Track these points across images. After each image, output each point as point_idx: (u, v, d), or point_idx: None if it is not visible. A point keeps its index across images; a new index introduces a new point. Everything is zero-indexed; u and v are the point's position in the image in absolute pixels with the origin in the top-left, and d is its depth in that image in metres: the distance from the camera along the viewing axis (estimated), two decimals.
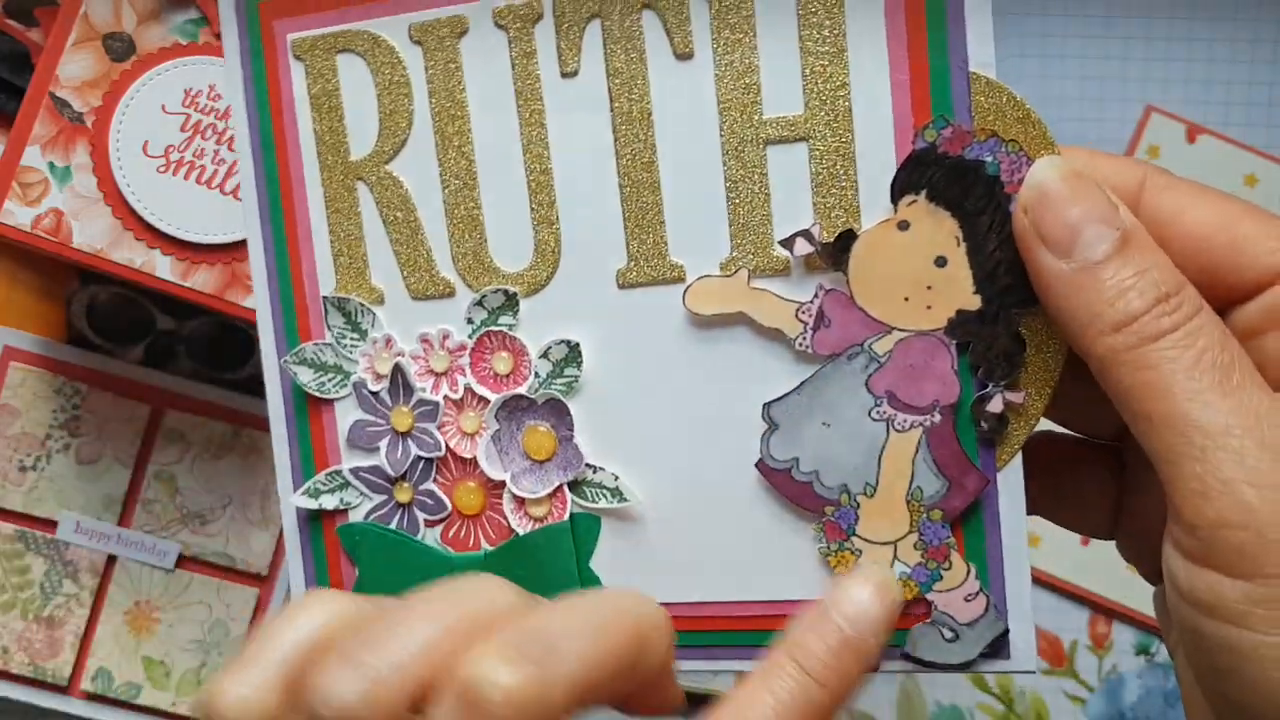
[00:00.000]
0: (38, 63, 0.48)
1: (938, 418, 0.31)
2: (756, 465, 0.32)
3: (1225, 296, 0.28)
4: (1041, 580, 0.66)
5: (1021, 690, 0.66)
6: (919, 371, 0.30)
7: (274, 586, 0.62)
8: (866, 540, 0.32)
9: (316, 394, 0.35)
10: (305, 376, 0.35)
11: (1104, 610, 0.60)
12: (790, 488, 0.32)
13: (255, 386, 0.53)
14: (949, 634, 0.31)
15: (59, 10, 0.48)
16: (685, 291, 0.32)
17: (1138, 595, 0.60)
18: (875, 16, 0.30)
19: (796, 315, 0.31)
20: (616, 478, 0.33)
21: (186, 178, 0.48)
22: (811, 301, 0.31)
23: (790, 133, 0.31)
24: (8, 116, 0.50)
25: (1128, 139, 0.58)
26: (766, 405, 0.32)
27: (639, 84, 0.32)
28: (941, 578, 0.31)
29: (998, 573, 0.31)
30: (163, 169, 0.48)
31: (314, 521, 0.36)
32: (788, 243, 0.31)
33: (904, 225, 0.30)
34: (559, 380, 0.33)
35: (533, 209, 0.33)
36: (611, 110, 0.32)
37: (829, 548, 0.32)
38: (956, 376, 0.30)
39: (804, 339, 0.31)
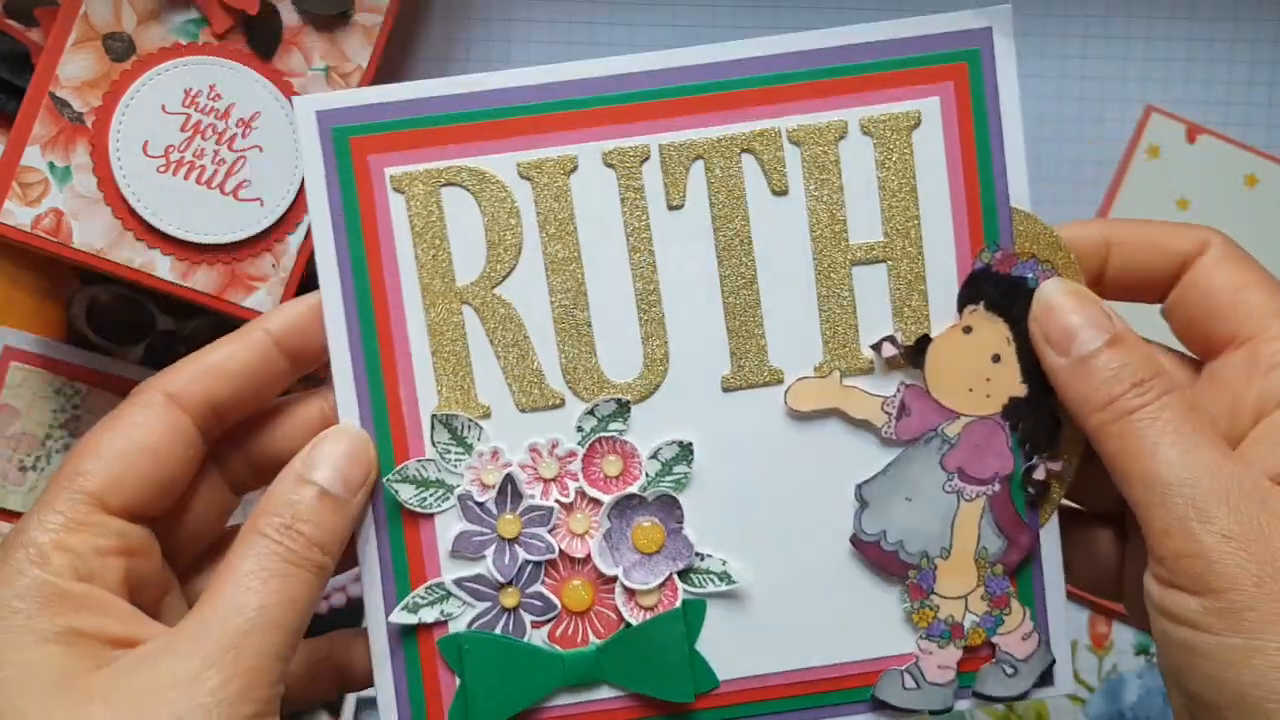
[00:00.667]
0: (38, 63, 0.47)
1: (998, 487, 0.37)
2: (850, 539, 0.37)
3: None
4: None
5: None
6: (982, 450, 0.37)
7: None
8: (943, 596, 0.37)
9: (417, 510, 0.36)
10: (407, 494, 0.36)
11: (1104, 611, 0.59)
12: (879, 556, 0.37)
13: None
14: (1010, 670, 0.38)
15: (59, 10, 0.47)
16: (786, 392, 0.37)
17: None
18: (938, 161, 0.37)
19: (882, 408, 0.37)
20: (724, 562, 0.37)
21: (186, 178, 0.48)
22: (895, 395, 0.37)
23: (872, 255, 0.37)
24: (8, 116, 0.49)
25: (1128, 139, 0.57)
26: (859, 486, 0.37)
27: (739, 215, 0.36)
28: (1003, 622, 0.38)
29: (1043, 611, 0.38)
30: (163, 169, 0.48)
31: (407, 637, 0.37)
32: (877, 347, 0.37)
33: (967, 330, 0.37)
34: (668, 478, 0.37)
35: (641, 324, 0.37)
36: (715, 238, 0.37)
37: (913, 606, 0.37)
38: (1011, 452, 0.37)
39: (889, 427, 0.37)
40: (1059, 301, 0.35)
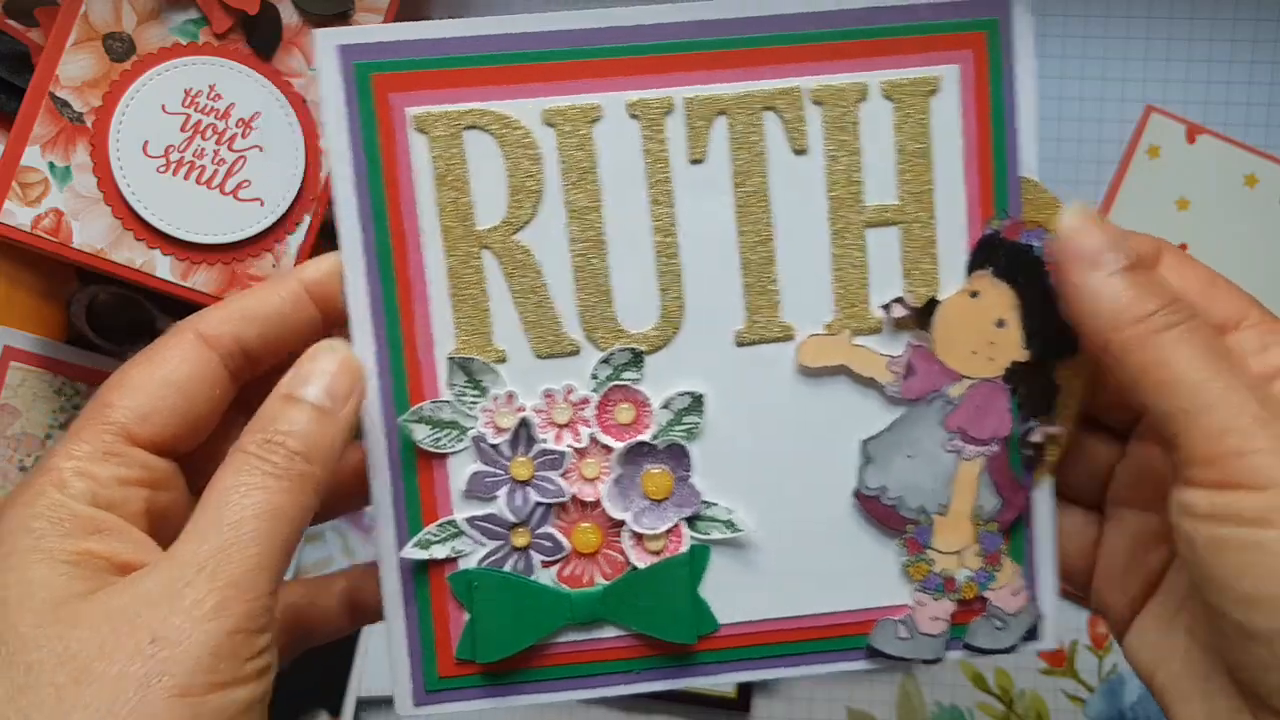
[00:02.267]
0: (38, 63, 0.47)
1: (996, 448, 0.38)
2: (853, 493, 0.38)
3: None
4: None
5: (1021, 691, 0.67)
6: (983, 411, 0.38)
7: None
8: (939, 551, 0.39)
9: (431, 449, 0.37)
10: (421, 434, 0.37)
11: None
12: (880, 511, 0.38)
13: None
14: (999, 624, 0.39)
15: (59, 10, 0.47)
16: (797, 348, 0.38)
17: None
18: (954, 128, 0.37)
19: (889, 367, 0.38)
20: (730, 511, 0.38)
21: (186, 178, 0.49)
22: (902, 355, 0.38)
23: (886, 218, 0.38)
24: (8, 116, 0.48)
25: (1127, 139, 0.58)
26: (864, 442, 0.38)
27: (759, 172, 0.37)
28: (995, 578, 0.39)
29: (1032, 569, 0.39)
30: (163, 169, 0.48)
31: (419, 573, 0.38)
32: (887, 307, 0.38)
33: (975, 294, 0.38)
34: (679, 427, 0.38)
35: (659, 275, 0.37)
36: (735, 194, 0.37)
37: (910, 559, 0.39)
38: (1010, 415, 0.38)
39: (895, 386, 0.38)
40: (1089, 222, 0.34)
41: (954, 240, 0.38)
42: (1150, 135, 0.57)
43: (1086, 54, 0.58)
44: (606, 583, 0.38)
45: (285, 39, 0.50)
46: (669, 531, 0.38)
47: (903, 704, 0.68)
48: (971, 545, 0.39)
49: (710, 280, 0.37)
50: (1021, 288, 0.38)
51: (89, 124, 0.47)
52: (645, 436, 0.38)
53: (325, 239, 0.52)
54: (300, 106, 0.50)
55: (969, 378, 0.38)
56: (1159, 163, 0.57)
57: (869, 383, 0.38)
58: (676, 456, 0.38)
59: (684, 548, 0.38)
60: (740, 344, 0.38)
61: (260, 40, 0.49)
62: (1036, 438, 0.38)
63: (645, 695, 0.59)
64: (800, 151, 0.37)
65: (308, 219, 0.50)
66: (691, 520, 0.38)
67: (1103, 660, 0.62)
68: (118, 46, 0.48)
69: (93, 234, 0.48)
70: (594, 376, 0.38)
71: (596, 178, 0.37)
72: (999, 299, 0.38)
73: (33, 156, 0.47)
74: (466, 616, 0.38)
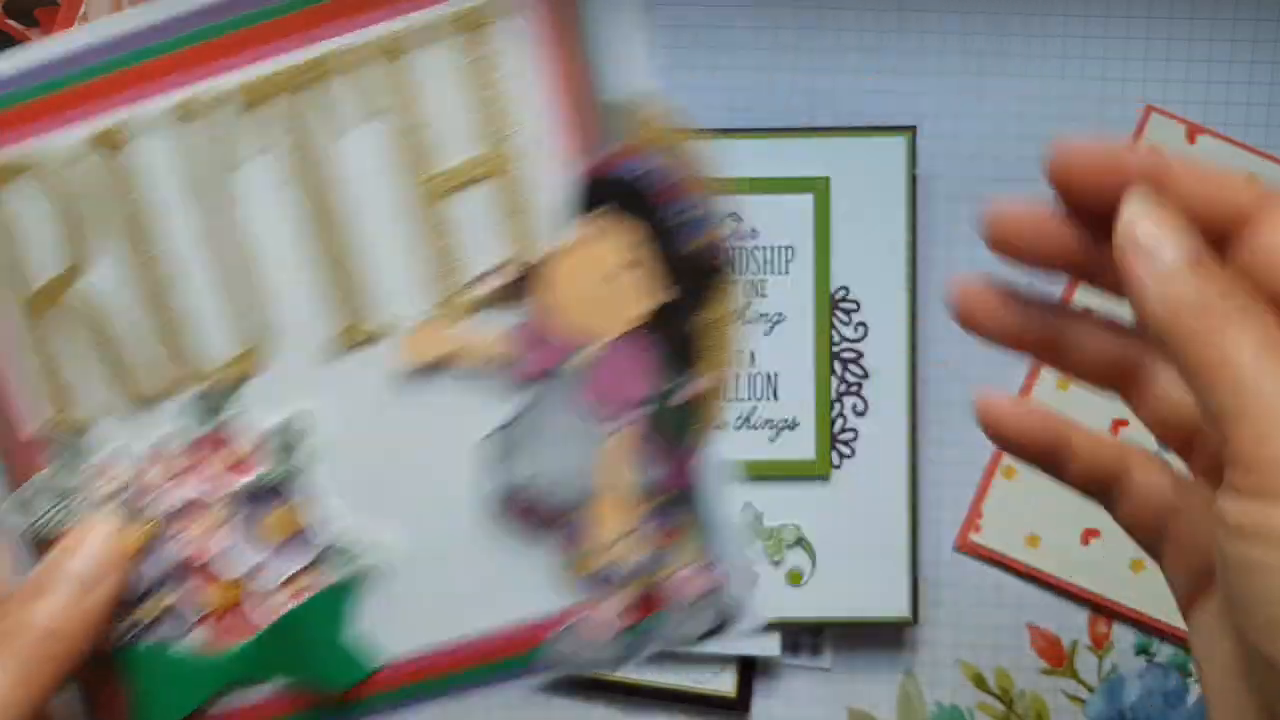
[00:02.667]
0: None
1: (644, 414, 0.34)
2: (488, 494, 0.34)
3: None
4: (1041, 580, 0.65)
5: (1021, 691, 0.66)
6: (622, 374, 0.34)
7: None
8: (599, 542, 0.34)
9: (45, 534, 0.35)
10: (26, 519, 0.34)
11: (1104, 610, 0.60)
12: (519, 511, 0.34)
13: None
14: (684, 613, 0.34)
15: (59, 10, 0.48)
16: (396, 347, 0.34)
17: (1138, 595, 0.60)
18: (525, 59, 0.33)
19: (501, 346, 0.34)
20: (365, 537, 0.34)
21: None
22: (513, 331, 0.34)
23: (468, 178, 0.34)
24: None
25: (1128, 139, 0.58)
26: (486, 438, 0.34)
27: (317, 158, 0.34)
28: (671, 560, 0.34)
29: (717, 543, 0.34)
30: None
31: None
32: (479, 280, 0.34)
33: (592, 240, 0.33)
34: (291, 457, 0.34)
35: (235, 296, 0.34)
36: (298, 187, 0.34)
37: (568, 558, 0.34)
38: (655, 372, 0.33)
39: (510, 369, 0.34)
40: (1153, 212, 0.31)
41: (556, 186, 0.34)
42: (1150, 135, 0.57)
43: (1087, 54, 0.58)
44: (252, 636, 0.35)
45: None
46: (303, 572, 0.34)
47: (903, 704, 0.67)
48: (636, 529, 0.34)
49: (291, 289, 0.34)
50: (648, 220, 0.33)
51: None
52: (253, 476, 0.34)
53: None
54: None
55: (602, 337, 0.34)
56: None
57: (483, 371, 0.34)
58: (294, 489, 0.34)
59: (321, 586, 0.34)
60: (337, 353, 0.34)
61: None
62: (690, 392, 0.33)
63: (641, 694, 0.59)
64: (357, 124, 0.34)
65: None
66: (325, 554, 0.34)
67: (1103, 660, 0.62)
68: None
69: None
70: (191, 420, 0.34)
71: (147, 201, 0.34)
72: (625, 238, 0.33)
73: None
74: (129, 692, 0.35)
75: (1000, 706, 0.66)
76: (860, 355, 0.56)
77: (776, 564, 0.56)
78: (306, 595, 0.34)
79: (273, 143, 0.34)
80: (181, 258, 0.34)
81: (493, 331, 0.34)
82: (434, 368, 0.34)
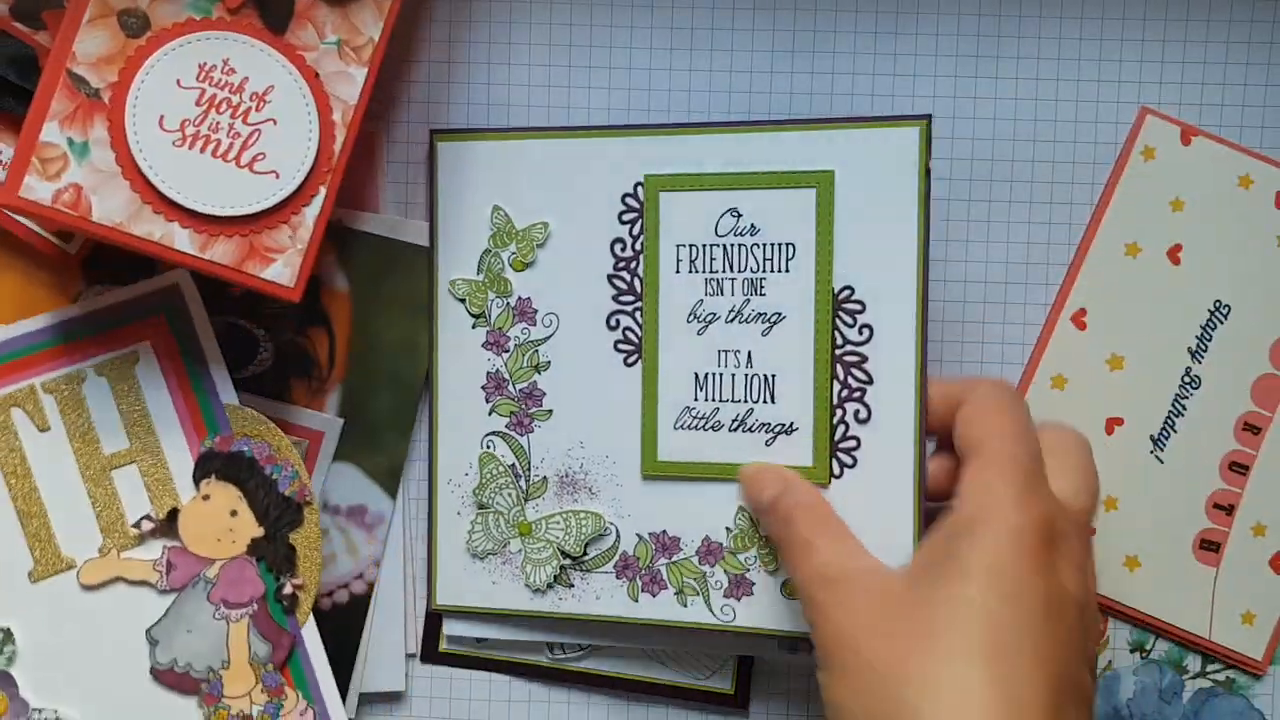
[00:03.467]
0: (54, 38, 0.47)
1: (255, 607, 0.50)
2: (150, 671, 0.49)
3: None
4: None
5: None
6: (237, 582, 0.50)
7: None
8: (231, 697, 0.50)
9: None
10: None
11: (1100, 608, 0.57)
12: (174, 679, 0.50)
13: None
14: None
15: (64, 13, 0.47)
16: (78, 572, 0.49)
17: (1133, 593, 0.58)
18: (159, 384, 0.50)
19: (154, 568, 0.50)
20: (56, 712, 0.49)
21: (203, 151, 0.48)
22: (161, 556, 0.50)
23: (125, 460, 0.50)
24: (16, 120, 0.50)
25: (1122, 141, 0.57)
26: (148, 630, 0.50)
27: (16, 451, 0.50)
28: (283, 707, 0.50)
29: (317, 693, 0.50)
30: (179, 143, 0.48)
31: None
32: (138, 524, 0.50)
33: (206, 497, 0.50)
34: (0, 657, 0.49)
35: None
36: (1, 468, 0.50)
37: (209, 710, 0.50)
38: (260, 578, 0.50)
39: (162, 581, 0.50)
40: (751, 470, 0.51)
41: (182, 461, 0.50)
42: (1145, 137, 0.56)
43: (1082, 55, 0.57)
44: None
45: (297, 13, 0.50)
46: None
47: None
48: (256, 685, 0.50)
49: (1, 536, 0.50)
50: (243, 483, 0.50)
51: (105, 99, 0.48)
52: None
53: (340, 208, 0.54)
54: (313, 80, 0.50)
55: (219, 559, 0.50)
56: (1154, 164, 0.57)
57: (142, 584, 0.50)
58: (3, 683, 0.49)
59: None
60: (34, 581, 0.50)
61: (272, 15, 0.49)
62: (287, 590, 0.50)
63: (641, 687, 0.58)
64: (44, 429, 0.50)
65: (323, 190, 0.50)
66: None
67: (1099, 658, 0.59)
68: (132, 22, 0.48)
69: (112, 208, 0.47)
70: None
71: None
72: (227, 496, 0.50)
73: (52, 132, 0.47)
74: None
75: None
76: (864, 359, 0.51)
77: (772, 573, 0.52)
78: None
79: None
80: None
81: (148, 558, 0.50)
82: (108, 584, 0.50)
